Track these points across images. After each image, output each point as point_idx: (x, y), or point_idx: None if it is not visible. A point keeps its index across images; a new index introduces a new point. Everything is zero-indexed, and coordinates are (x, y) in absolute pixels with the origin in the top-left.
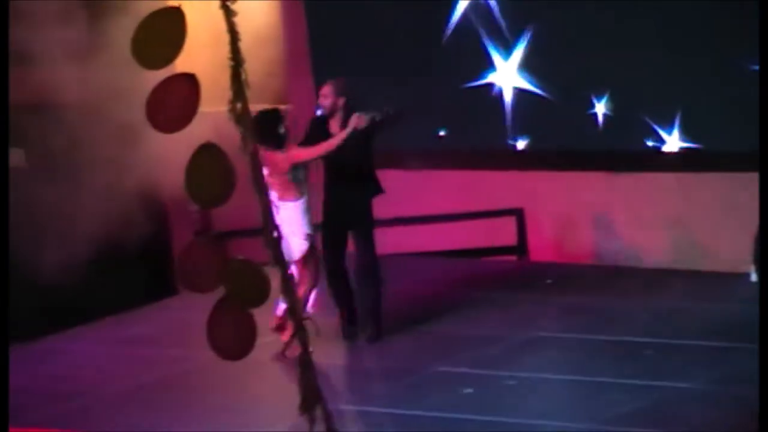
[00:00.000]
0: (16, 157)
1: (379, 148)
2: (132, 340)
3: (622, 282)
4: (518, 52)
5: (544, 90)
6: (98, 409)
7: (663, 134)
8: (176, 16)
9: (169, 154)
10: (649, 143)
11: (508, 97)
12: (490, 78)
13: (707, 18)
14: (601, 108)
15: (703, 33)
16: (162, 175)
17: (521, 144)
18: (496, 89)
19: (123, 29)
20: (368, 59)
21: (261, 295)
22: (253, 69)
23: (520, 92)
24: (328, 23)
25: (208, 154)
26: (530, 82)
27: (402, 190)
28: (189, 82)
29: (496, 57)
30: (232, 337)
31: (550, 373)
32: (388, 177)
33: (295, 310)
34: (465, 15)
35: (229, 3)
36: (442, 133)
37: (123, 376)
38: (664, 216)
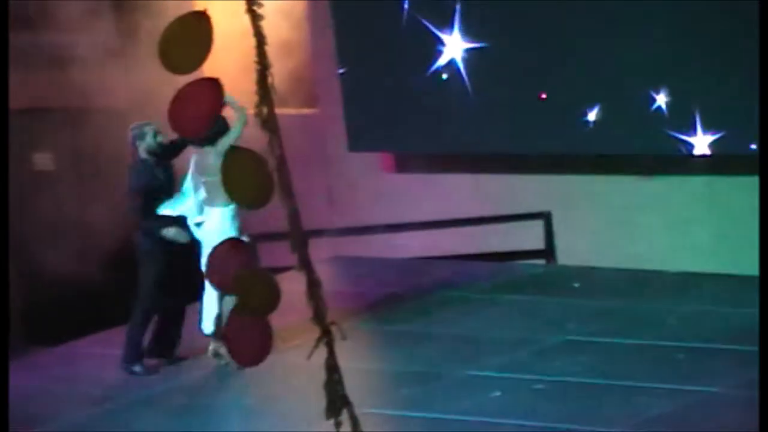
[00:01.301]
0: (43, 160)
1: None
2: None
3: (650, 286)
4: None
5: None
6: (125, 412)
7: (690, 138)
8: (203, 20)
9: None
10: (679, 147)
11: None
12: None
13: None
14: (662, 100)
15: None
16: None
17: (592, 116)
18: None
19: (153, 33)
20: (396, 60)
21: (271, 303)
22: (279, 73)
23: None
24: (355, 25)
25: (240, 158)
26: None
27: (430, 193)
28: (212, 86)
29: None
30: (249, 344)
31: (579, 377)
32: (416, 181)
33: (321, 315)
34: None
35: (255, 7)
36: (543, 96)
37: (149, 379)
38: (693, 219)
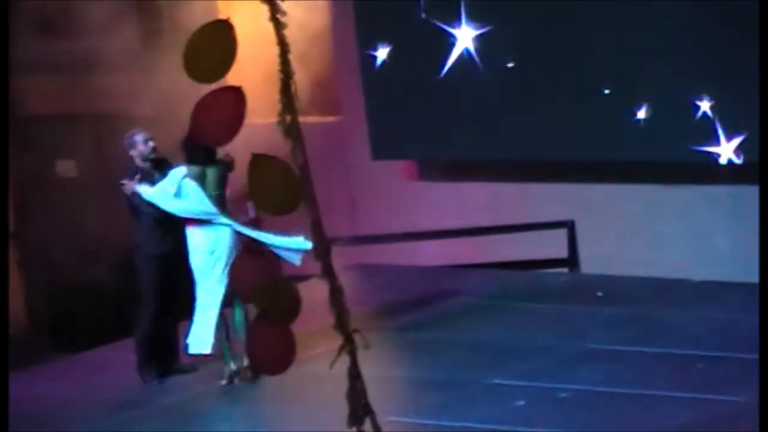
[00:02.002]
0: (66, 167)
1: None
2: (183, 350)
3: (673, 294)
4: None
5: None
6: (153, 418)
7: (715, 149)
8: (227, 29)
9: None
10: (703, 154)
11: None
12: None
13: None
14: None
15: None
16: None
17: (642, 113)
18: None
19: (178, 39)
20: (417, 65)
21: (292, 311)
22: (301, 81)
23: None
24: (377, 31)
25: (265, 165)
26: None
27: (453, 202)
28: (235, 95)
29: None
30: (272, 353)
31: (602, 385)
32: (439, 189)
33: (343, 323)
34: None
35: (279, 16)
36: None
37: (177, 386)
38: (716, 228)
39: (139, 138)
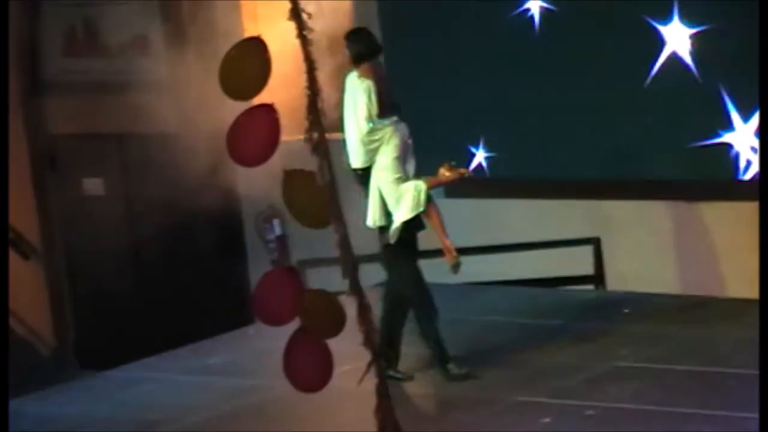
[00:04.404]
0: (94, 185)
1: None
2: (209, 369)
3: (702, 312)
4: None
5: None
6: None
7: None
8: (260, 46)
9: (248, 181)
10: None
11: None
12: None
13: None
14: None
15: None
16: (241, 203)
17: None
18: None
19: (203, 58)
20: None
21: (337, 326)
22: (327, 98)
23: None
24: (404, 49)
25: (298, 180)
26: None
27: (479, 219)
28: (269, 114)
29: None
30: (309, 370)
31: (630, 403)
32: (465, 206)
33: (371, 340)
34: None
35: (305, 32)
36: None
37: (201, 405)
38: (743, 245)
39: None
